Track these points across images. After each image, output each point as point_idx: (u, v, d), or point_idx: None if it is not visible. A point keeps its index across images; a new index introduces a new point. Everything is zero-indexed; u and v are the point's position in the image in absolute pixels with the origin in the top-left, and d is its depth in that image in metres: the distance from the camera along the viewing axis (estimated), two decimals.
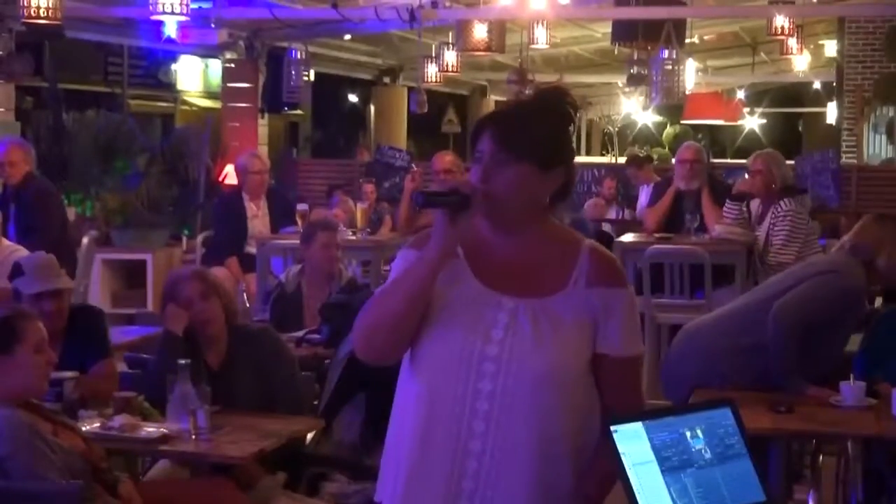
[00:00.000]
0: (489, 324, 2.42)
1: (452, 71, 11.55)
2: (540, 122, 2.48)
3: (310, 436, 4.70)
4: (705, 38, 16.44)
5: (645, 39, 11.12)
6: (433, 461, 2.41)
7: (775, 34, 10.80)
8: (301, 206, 8.86)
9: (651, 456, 2.25)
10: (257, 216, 8.50)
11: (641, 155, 13.95)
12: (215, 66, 15.67)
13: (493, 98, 20.81)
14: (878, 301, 6.08)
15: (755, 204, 7.28)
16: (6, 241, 6.69)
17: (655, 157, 16.02)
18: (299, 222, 8.46)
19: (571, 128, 2.58)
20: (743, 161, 8.96)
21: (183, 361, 4.19)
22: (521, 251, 2.48)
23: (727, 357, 4.66)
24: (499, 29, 10.42)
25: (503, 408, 2.38)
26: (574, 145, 2.68)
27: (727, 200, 7.29)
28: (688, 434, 2.31)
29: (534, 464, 2.40)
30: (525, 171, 2.44)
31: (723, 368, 4.63)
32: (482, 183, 2.42)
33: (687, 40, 11.85)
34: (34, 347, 3.76)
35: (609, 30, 12.65)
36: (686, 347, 4.89)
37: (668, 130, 23.68)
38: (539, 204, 2.49)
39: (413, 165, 11.16)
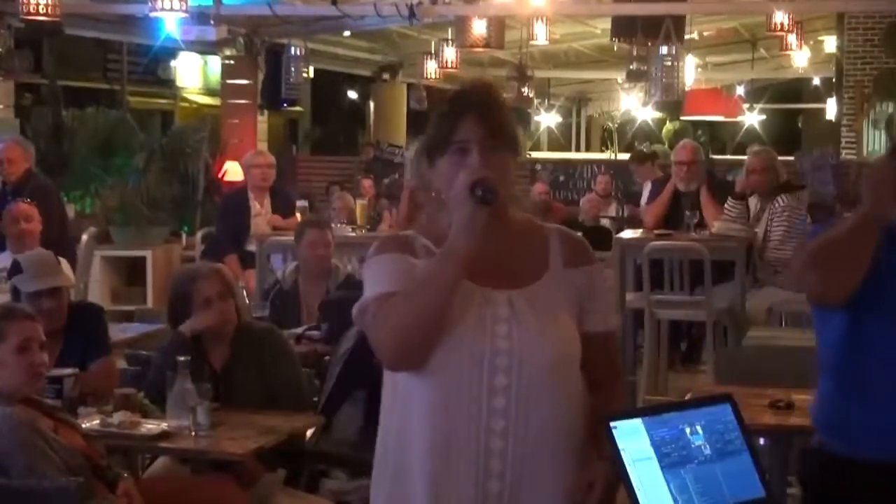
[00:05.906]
0: (491, 320, 2.37)
1: (452, 67, 11.54)
2: (507, 109, 2.46)
3: (309, 432, 4.68)
4: (705, 34, 16.41)
5: (644, 35, 11.09)
6: (458, 467, 2.34)
7: (775, 30, 10.77)
8: (301, 203, 8.86)
9: (650, 452, 2.25)
10: (261, 214, 8.49)
11: (645, 151, 13.92)
12: (214, 63, 15.68)
13: None
14: None
15: (753, 200, 7.31)
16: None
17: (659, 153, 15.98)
18: (299, 218, 8.44)
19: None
20: (743, 157, 8.95)
21: (182, 358, 4.18)
22: (494, 242, 2.41)
23: None
24: (498, 25, 10.40)
25: (520, 401, 2.34)
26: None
27: (730, 199, 7.28)
28: (687, 430, 2.31)
29: (557, 455, 2.37)
30: (509, 159, 2.43)
31: None
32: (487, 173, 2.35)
33: (686, 36, 11.82)
34: (16, 347, 3.72)
35: (608, 26, 12.62)
36: None
37: (668, 127, 23.61)
38: (512, 192, 2.47)
39: None
